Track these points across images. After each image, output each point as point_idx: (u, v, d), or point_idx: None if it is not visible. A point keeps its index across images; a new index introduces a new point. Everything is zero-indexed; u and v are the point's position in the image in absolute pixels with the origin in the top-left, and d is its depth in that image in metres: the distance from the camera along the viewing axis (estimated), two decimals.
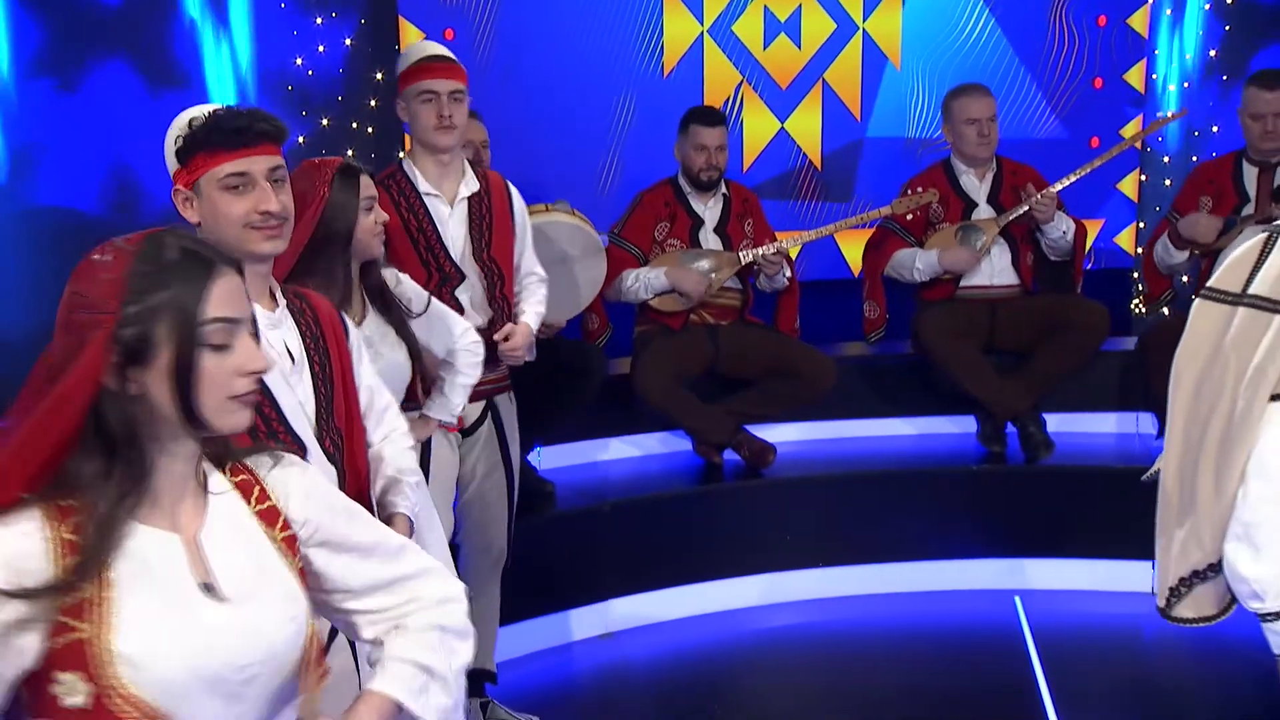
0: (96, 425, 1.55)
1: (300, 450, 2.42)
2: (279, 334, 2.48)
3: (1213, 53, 6.62)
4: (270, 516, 1.73)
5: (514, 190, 4.18)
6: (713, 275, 5.19)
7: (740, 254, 5.22)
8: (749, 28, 6.28)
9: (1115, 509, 4.74)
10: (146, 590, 1.57)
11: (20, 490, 1.53)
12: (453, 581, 1.93)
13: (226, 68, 6.20)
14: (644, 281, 5.18)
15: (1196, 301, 2.49)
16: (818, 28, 6.32)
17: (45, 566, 1.52)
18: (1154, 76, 6.59)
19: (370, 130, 6.13)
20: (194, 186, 2.42)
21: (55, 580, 1.51)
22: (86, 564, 1.52)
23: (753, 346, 5.32)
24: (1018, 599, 5.04)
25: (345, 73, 6.14)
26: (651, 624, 5.05)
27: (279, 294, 2.55)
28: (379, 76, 6.13)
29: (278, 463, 1.79)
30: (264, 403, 2.38)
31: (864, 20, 6.34)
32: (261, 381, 2.36)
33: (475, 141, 4.83)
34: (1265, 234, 2.45)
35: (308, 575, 1.78)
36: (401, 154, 3.97)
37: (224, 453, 1.73)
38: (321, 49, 6.10)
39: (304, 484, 1.79)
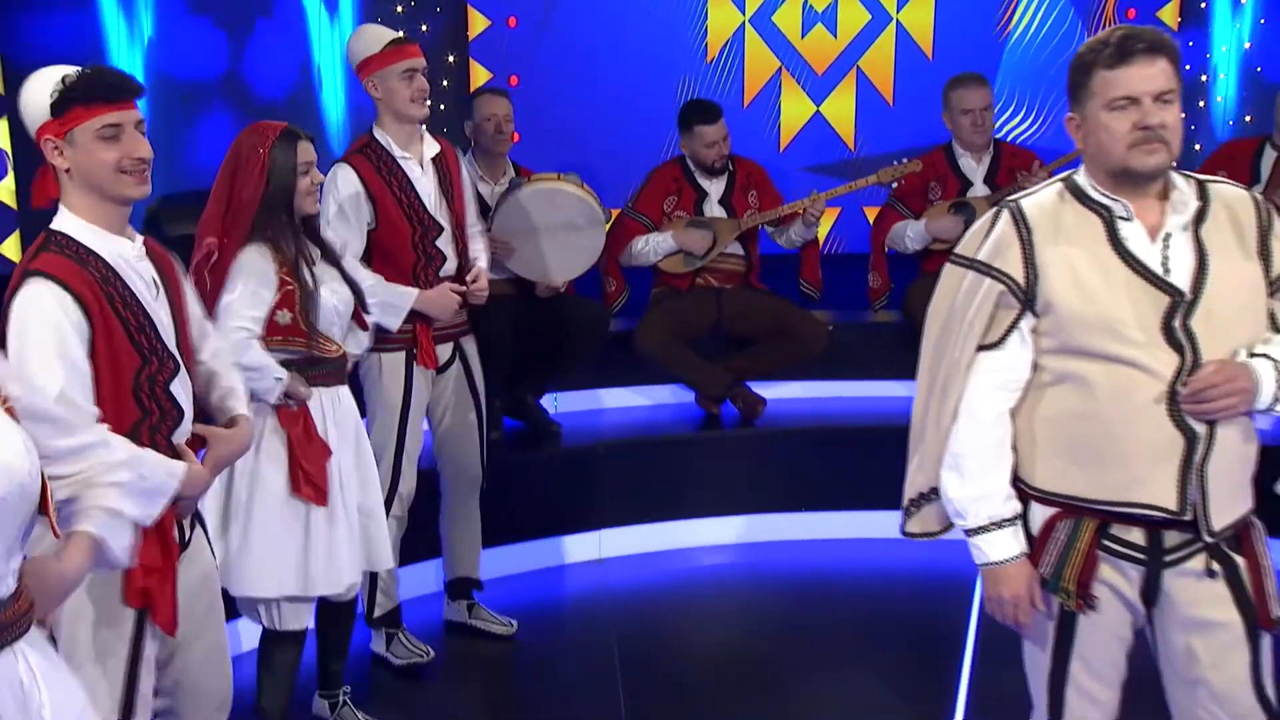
0: None
1: (175, 363, 2.73)
2: (146, 265, 2.73)
3: (1248, 45, 6.55)
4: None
5: (459, 157, 4.46)
6: (715, 235, 5.44)
7: (742, 220, 5.47)
8: (788, 18, 6.50)
9: None
10: None
11: None
12: (124, 450, 2.22)
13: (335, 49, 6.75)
14: (653, 245, 5.44)
15: (945, 265, 2.68)
16: (853, 18, 6.50)
17: None
18: (1186, 67, 6.55)
19: (442, 107, 6.58)
20: (68, 135, 2.55)
21: None
22: None
23: (754, 309, 5.53)
24: None
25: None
26: (639, 554, 5.36)
27: (134, 234, 2.77)
28: (450, 59, 6.57)
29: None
30: (146, 324, 2.67)
31: (897, 12, 6.50)
32: (143, 306, 2.75)
33: (498, 115, 5.14)
34: (995, 208, 2.63)
35: None
36: (377, 129, 4.20)
37: None
38: (401, 34, 6.56)
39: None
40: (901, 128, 6.55)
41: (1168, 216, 2.49)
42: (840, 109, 6.57)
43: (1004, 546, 2.60)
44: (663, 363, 5.47)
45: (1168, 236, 2.48)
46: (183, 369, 2.77)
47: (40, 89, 2.58)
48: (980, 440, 2.60)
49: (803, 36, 6.51)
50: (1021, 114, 6.59)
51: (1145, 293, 2.46)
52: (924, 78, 6.53)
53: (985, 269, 2.56)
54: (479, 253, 4.47)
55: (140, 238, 2.76)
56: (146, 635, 2.72)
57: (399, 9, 6.52)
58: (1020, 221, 2.55)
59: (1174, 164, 2.51)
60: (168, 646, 2.82)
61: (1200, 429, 2.44)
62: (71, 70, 2.58)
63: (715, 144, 5.44)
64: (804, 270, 5.66)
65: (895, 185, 5.57)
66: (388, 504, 4.23)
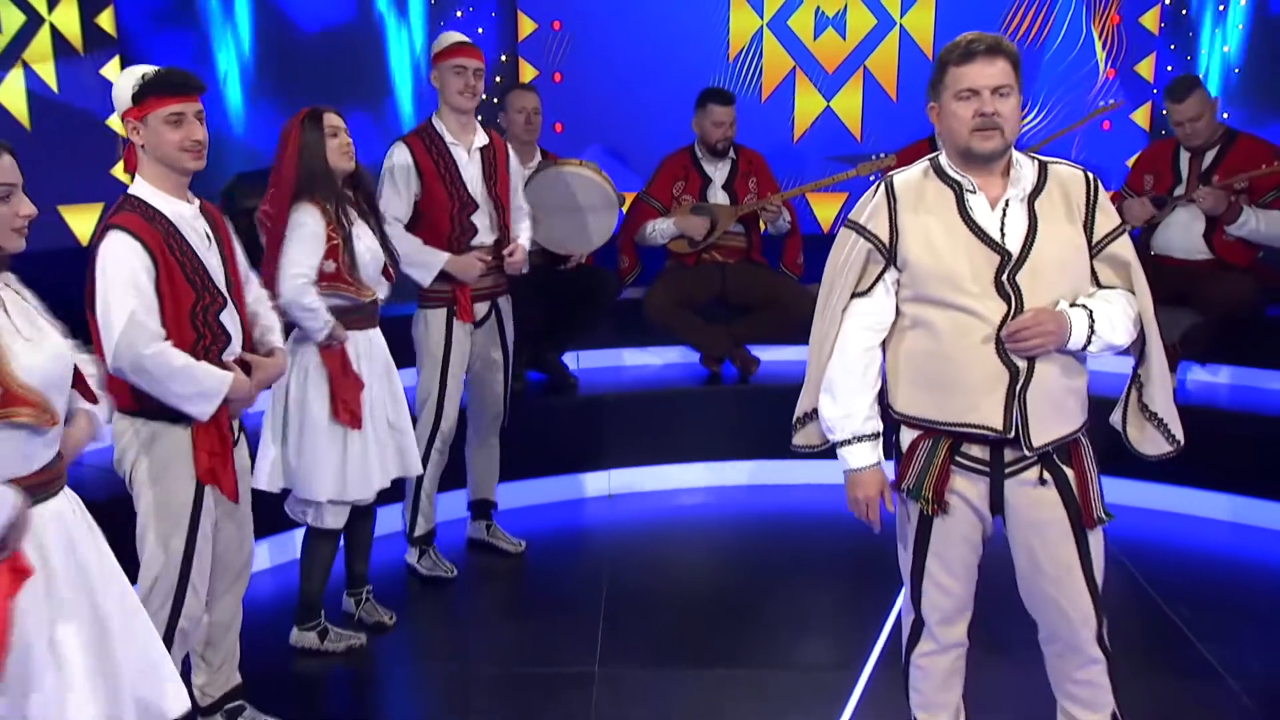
0: None
1: (223, 299, 3.30)
2: (200, 222, 3.29)
3: (1226, 48, 6.82)
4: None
5: (510, 150, 4.95)
6: (715, 220, 5.92)
7: (739, 206, 5.93)
8: (801, 22, 6.92)
9: None
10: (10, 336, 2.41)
11: None
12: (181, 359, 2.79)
13: (406, 52, 7.32)
14: (659, 229, 5.92)
15: (841, 229, 3.05)
16: (861, 22, 6.90)
17: None
18: (1168, 68, 6.86)
19: (495, 100, 7.11)
20: (144, 119, 3.14)
21: None
22: None
23: (753, 281, 5.99)
24: None
25: None
26: (644, 491, 5.89)
27: (192, 198, 3.32)
28: (503, 58, 7.12)
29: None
30: (199, 267, 3.24)
31: (901, 16, 6.88)
32: (196, 254, 3.33)
33: (528, 109, 5.70)
34: (877, 182, 3.00)
35: None
36: (436, 115, 4.75)
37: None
38: (468, 40, 7.12)
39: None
40: (904, 122, 6.89)
41: (1007, 190, 2.87)
42: (848, 105, 6.98)
43: (862, 457, 3.02)
44: (666, 326, 5.95)
45: (1006, 206, 2.86)
46: (230, 304, 3.34)
47: (125, 83, 3.19)
48: (848, 369, 2.98)
49: (815, 39, 6.92)
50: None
51: (982, 253, 2.84)
52: (925, 77, 6.80)
53: (861, 230, 2.96)
54: (521, 231, 4.92)
55: (197, 201, 3.34)
56: (203, 508, 3.34)
57: (458, 14, 7.08)
58: (890, 193, 2.94)
59: (1010, 145, 2.84)
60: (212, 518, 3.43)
61: (1021, 364, 2.82)
62: (150, 69, 3.19)
63: (722, 124, 5.85)
64: (784, 259, 6.10)
65: (873, 177, 5.97)
66: (430, 440, 4.81)
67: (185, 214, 3.27)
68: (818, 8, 6.90)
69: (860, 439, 3.02)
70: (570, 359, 6.09)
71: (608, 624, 4.52)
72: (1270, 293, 5.61)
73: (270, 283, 3.87)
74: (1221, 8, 6.79)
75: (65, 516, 2.47)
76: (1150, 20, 6.82)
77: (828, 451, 5.82)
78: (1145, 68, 6.86)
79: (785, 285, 6.00)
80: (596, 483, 5.87)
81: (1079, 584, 2.98)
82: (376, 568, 4.85)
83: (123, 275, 3.11)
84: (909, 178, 2.96)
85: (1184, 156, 5.60)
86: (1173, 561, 5.15)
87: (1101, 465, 3.04)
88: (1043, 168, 2.92)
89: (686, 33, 6.94)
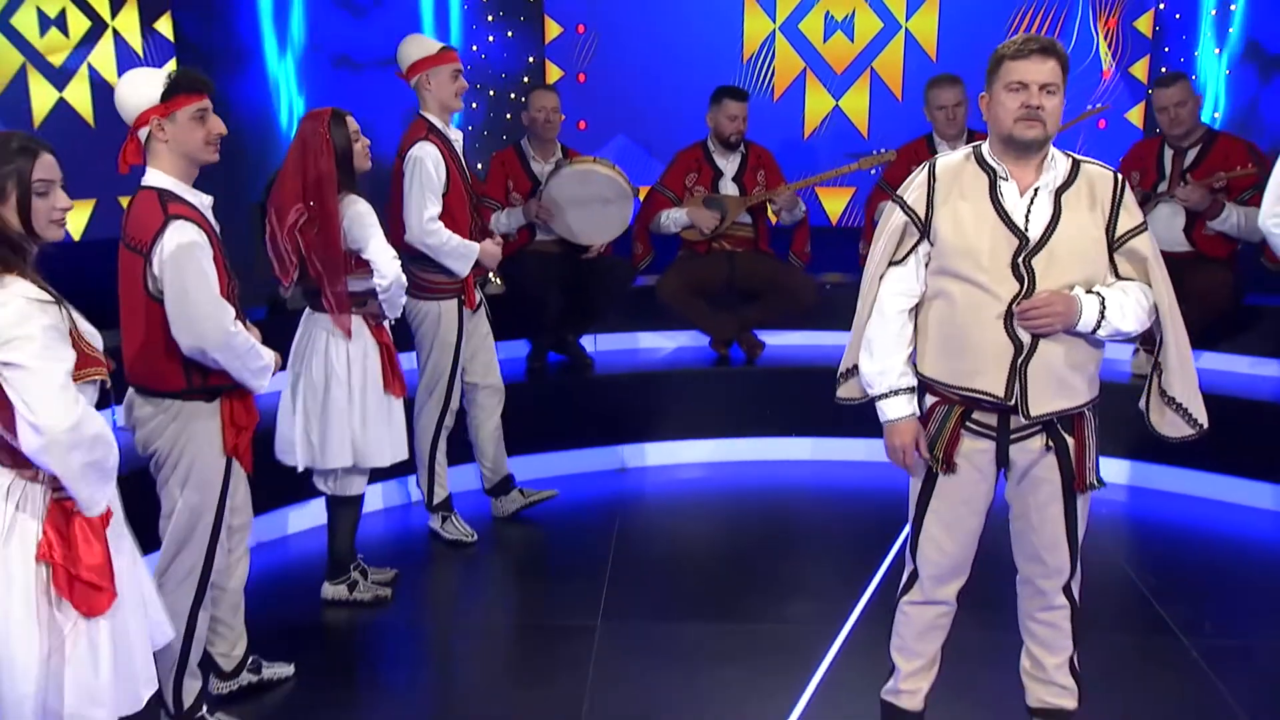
0: None
1: (236, 282, 3.52)
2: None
3: (1216, 50, 7.02)
4: None
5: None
6: (722, 214, 6.21)
7: (748, 197, 6.22)
8: (812, 25, 7.19)
9: None
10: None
11: None
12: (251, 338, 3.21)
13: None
14: (672, 219, 6.23)
15: (887, 203, 3.33)
16: (868, 26, 7.16)
17: None
18: (1163, 69, 7.06)
19: (523, 100, 7.43)
20: (171, 115, 3.27)
21: None
22: None
23: (760, 269, 6.28)
24: None
25: (506, 56, 7.48)
26: (655, 465, 6.22)
27: None
28: (530, 60, 7.44)
29: None
30: (222, 254, 3.45)
31: (906, 20, 7.14)
32: (220, 240, 3.60)
33: (548, 108, 6.00)
34: (923, 163, 3.26)
35: None
36: (429, 115, 4.94)
37: None
38: (491, 39, 7.46)
39: None
40: (908, 121, 7.11)
41: (1038, 180, 3.11)
42: (856, 104, 7.24)
43: (898, 408, 3.25)
44: (676, 310, 6.26)
45: (1034, 195, 3.11)
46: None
47: (145, 82, 3.36)
48: (884, 330, 3.23)
49: (824, 41, 7.18)
50: None
51: (1003, 235, 3.08)
52: (929, 77, 7.15)
53: (902, 204, 3.22)
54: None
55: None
56: (231, 480, 3.62)
57: (490, 18, 7.40)
58: (932, 174, 3.20)
59: (1050, 139, 3.08)
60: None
61: (1026, 339, 3.08)
62: (162, 70, 3.40)
63: (736, 119, 6.14)
64: (794, 245, 6.39)
65: (875, 171, 6.26)
66: (441, 418, 5.13)
67: (207, 204, 3.46)
68: (827, 12, 7.17)
69: (896, 392, 3.25)
70: (588, 341, 6.41)
71: (612, 584, 4.84)
72: (1246, 284, 5.87)
73: (339, 267, 4.16)
74: (1214, 13, 6.99)
75: None
76: (1144, 24, 7.04)
77: (827, 432, 6.21)
78: (1140, 69, 7.07)
79: (790, 273, 6.29)
80: (609, 457, 6.20)
81: (1061, 538, 3.25)
82: (401, 534, 5.24)
83: (198, 258, 3.28)
84: (950, 161, 3.21)
85: (1168, 154, 5.84)
86: (1149, 533, 5.43)
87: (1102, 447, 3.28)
88: (1075, 165, 3.15)
89: (703, 36, 7.21)
